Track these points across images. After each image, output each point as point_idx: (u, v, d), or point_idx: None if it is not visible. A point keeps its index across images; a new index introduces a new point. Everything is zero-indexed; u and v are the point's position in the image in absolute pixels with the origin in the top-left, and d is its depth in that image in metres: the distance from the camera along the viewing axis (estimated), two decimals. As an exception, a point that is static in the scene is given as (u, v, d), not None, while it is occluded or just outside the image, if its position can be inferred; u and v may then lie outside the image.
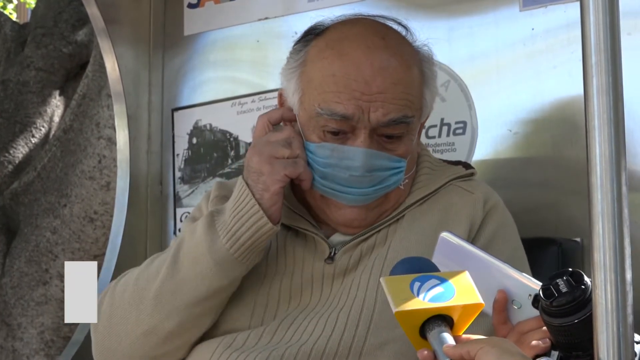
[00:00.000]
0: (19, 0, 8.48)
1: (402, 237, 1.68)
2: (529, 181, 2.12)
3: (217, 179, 2.53)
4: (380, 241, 1.69)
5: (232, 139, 2.57)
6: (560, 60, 2.07)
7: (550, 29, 2.10)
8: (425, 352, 1.20)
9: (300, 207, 1.76)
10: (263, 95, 2.50)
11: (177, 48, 2.68)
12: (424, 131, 1.96)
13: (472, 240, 1.63)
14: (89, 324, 1.77)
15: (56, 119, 4.16)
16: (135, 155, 2.61)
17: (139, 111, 2.64)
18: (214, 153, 2.60)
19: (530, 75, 2.12)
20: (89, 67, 3.74)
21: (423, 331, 1.21)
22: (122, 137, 2.61)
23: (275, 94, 1.86)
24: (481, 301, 1.22)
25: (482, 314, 1.26)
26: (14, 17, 8.20)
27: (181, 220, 2.61)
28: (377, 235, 1.70)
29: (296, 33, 1.95)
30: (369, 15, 1.78)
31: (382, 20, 1.75)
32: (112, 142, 3.45)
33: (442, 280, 1.23)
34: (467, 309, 1.22)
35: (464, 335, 1.22)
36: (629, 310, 1.03)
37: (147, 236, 2.64)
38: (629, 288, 1.03)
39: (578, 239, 2.01)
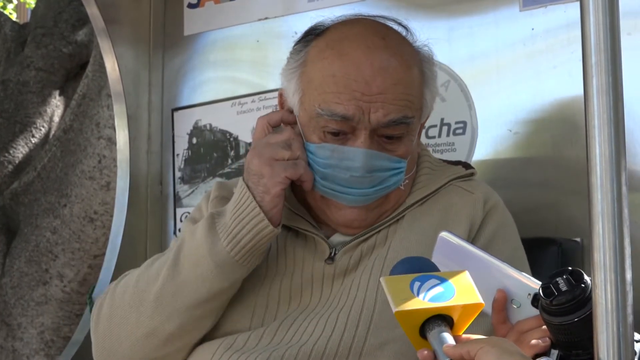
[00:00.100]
0: (19, 0, 8.48)
1: (402, 237, 1.68)
2: (529, 181, 2.12)
3: (217, 179, 2.53)
4: (381, 241, 1.69)
5: (232, 139, 2.57)
6: (560, 60, 2.07)
7: (550, 29, 2.10)
8: (425, 352, 1.20)
9: (301, 208, 1.76)
10: (263, 95, 2.50)
11: (177, 48, 2.68)
12: (424, 131, 1.96)
13: (472, 240, 1.63)
14: (89, 324, 1.77)
15: (56, 119, 4.16)
16: (135, 155, 2.61)
17: (139, 111, 2.64)
18: (214, 153, 2.60)
19: (530, 75, 2.12)
20: (89, 67, 3.74)
21: (423, 331, 1.21)
22: (122, 137, 2.61)
23: (275, 94, 1.86)
24: (481, 301, 1.22)
25: (482, 314, 1.27)
26: (14, 17, 8.20)
27: (181, 220, 2.61)
28: (377, 236, 1.70)
29: (296, 33, 1.95)
30: (369, 16, 1.78)
31: (382, 21, 1.75)
32: (112, 142, 3.45)
33: (442, 280, 1.23)
34: (467, 308, 1.22)
35: (464, 335, 1.22)
36: (629, 310, 1.03)
37: (147, 236, 2.64)
38: (629, 288, 1.03)
39: (578, 239, 2.01)
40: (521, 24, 2.13)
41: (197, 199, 2.55)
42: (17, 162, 4.04)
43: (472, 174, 1.80)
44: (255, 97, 2.52)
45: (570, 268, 1.29)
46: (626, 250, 1.03)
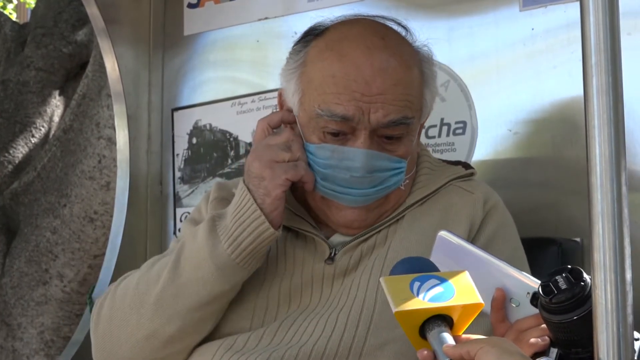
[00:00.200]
0: (19, 0, 8.48)
1: (402, 237, 1.68)
2: (529, 181, 2.12)
3: (217, 179, 2.53)
4: (381, 241, 1.69)
5: (232, 139, 2.57)
6: (560, 60, 2.07)
7: (550, 29, 2.10)
8: (425, 352, 1.20)
9: (300, 209, 1.75)
10: (263, 95, 2.50)
11: (177, 48, 2.68)
12: (424, 131, 1.96)
13: (472, 240, 1.63)
14: (89, 324, 1.77)
15: (56, 119, 4.16)
16: (135, 155, 2.61)
17: (139, 111, 2.64)
18: (214, 153, 2.60)
19: (530, 75, 2.12)
20: (89, 67, 3.74)
21: (423, 331, 1.21)
22: (122, 137, 2.61)
23: (275, 94, 1.86)
24: (481, 301, 1.22)
25: (482, 314, 1.27)
26: (14, 17, 8.20)
27: (181, 220, 2.61)
28: (377, 236, 1.70)
29: (296, 33, 1.95)
30: (368, 16, 1.77)
31: (381, 21, 1.75)
32: (112, 142, 3.45)
33: (442, 280, 1.23)
34: (467, 308, 1.22)
35: (464, 335, 1.22)
36: (629, 310, 1.03)
37: (147, 236, 2.64)
38: (629, 288, 1.03)
39: (578, 239, 2.01)
40: (521, 24, 2.13)
41: (197, 199, 2.55)
42: (17, 162, 4.04)
43: (472, 174, 1.80)
44: (255, 97, 2.52)
45: (569, 266, 1.30)
46: (626, 250, 1.03)
